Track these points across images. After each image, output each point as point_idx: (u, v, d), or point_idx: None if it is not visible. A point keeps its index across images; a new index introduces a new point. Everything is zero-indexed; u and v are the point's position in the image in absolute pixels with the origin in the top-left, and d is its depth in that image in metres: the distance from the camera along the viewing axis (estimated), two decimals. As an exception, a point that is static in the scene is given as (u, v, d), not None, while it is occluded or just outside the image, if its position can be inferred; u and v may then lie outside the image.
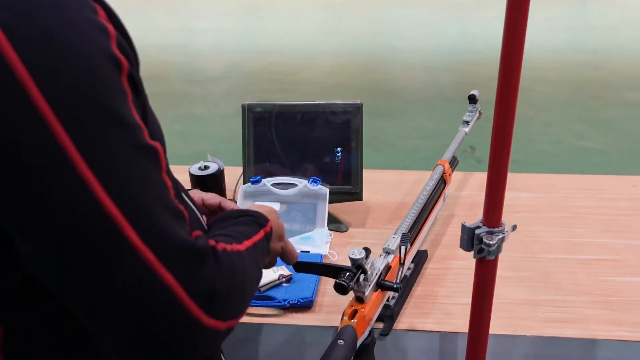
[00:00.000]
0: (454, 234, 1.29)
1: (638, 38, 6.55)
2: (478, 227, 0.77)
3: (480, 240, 0.76)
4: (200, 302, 0.53)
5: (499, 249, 0.77)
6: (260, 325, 1.06)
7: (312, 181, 1.25)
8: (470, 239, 0.77)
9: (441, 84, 5.26)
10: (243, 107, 1.28)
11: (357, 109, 1.27)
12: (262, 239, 0.75)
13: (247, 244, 0.69)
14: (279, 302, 1.06)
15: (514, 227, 0.78)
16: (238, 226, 0.74)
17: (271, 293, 1.08)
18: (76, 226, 0.49)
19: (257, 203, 1.28)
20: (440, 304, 1.08)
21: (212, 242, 0.59)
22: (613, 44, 6.23)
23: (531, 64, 5.69)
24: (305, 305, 1.07)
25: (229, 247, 0.62)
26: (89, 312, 0.53)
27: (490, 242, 0.74)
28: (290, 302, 1.06)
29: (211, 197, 0.91)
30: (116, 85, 0.51)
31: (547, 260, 1.20)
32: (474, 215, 1.38)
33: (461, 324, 1.02)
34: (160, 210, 0.52)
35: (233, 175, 1.44)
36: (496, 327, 0.96)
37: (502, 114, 0.70)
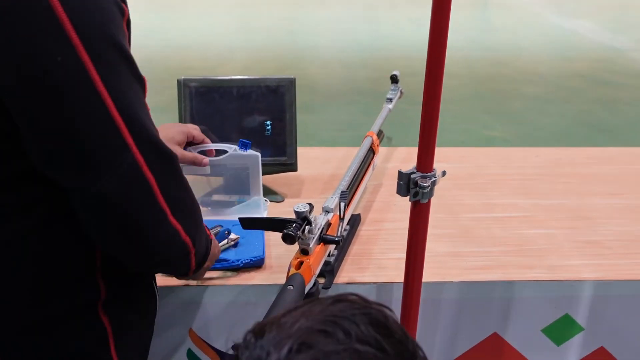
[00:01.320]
0: (383, 200, 1.39)
1: (533, 38, 7.09)
2: (413, 172, 0.85)
3: (416, 184, 0.84)
4: (168, 200, 0.69)
5: (431, 192, 0.86)
6: (205, 287, 1.10)
7: (242, 145, 1.23)
8: (406, 184, 0.85)
9: (356, 79, 5.43)
10: (179, 82, 1.30)
11: (291, 83, 1.32)
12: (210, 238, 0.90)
13: None
14: (232, 262, 1.10)
15: (444, 173, 0.88)
16: None
17: (223, 256, 1.12)
18: (89, 127, 0.63)
19: (190, 174, 1.27)
20: (375, 260, 1.16)
21: None
22: (511, 43, 6.70)
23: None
24: (256, 264, 1.12)
25: None
26: (84, 200, 0.67)
27: (425, 185, 0.83)
28: (243, 262, 1.10)
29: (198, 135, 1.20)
30: (122, 27, 0.66)
31: (467, 219, 1.32)
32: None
33: (394, 275, 1.11)
34: (149, 125, 0.68)
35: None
36: (426, 276, 1.05)
37: (432, 66, 0.78)
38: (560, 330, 1.16)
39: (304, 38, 6.98)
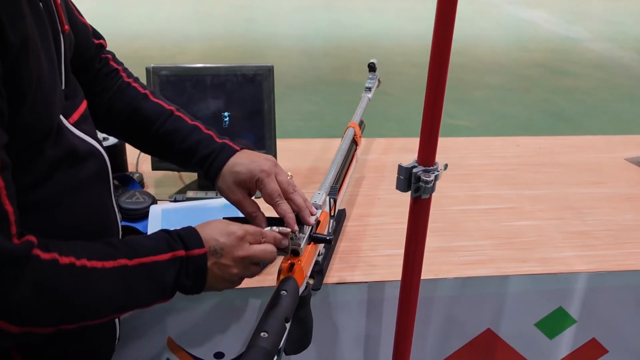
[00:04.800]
0: (367, 194, 1.33)
1: (491, 28, 7.17)
2: (414, 166, 0.79)
3: (418, 179, 0.79)
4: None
5: (434, 186, 0.80)
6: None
7: None
8: (407, 179, 0.79)
9: (319, 68, 5.36)
10: (147, 70, 1.21)
11: (269, 71, 1.25)
12: (164, 262, 0.71)
13: (112, 264, 0.66)
14: None
15: (446, 166, 0.82)
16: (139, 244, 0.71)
17: None
18: None
19: None
20: (365, 257, 1.11)
21: (37, 251, 0.59)
22: (470, 32, 6.75)
23: (400, 49, 6.00)
24: None
25: (65, 258, 0.62)
26: None
27: (428, 179, 0.77)
28: None
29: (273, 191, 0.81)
30: None
31: (454, 212, 1.28)
32: (383, 177, 1.44)
33: (386, 273, 1.06)
34: None
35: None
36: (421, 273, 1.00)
37: (437, 55, 0.73)
38: (554, 323, 1.13)
39: (262, 26, 6.85)
